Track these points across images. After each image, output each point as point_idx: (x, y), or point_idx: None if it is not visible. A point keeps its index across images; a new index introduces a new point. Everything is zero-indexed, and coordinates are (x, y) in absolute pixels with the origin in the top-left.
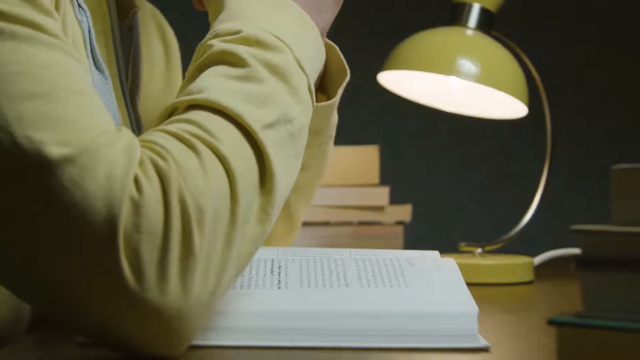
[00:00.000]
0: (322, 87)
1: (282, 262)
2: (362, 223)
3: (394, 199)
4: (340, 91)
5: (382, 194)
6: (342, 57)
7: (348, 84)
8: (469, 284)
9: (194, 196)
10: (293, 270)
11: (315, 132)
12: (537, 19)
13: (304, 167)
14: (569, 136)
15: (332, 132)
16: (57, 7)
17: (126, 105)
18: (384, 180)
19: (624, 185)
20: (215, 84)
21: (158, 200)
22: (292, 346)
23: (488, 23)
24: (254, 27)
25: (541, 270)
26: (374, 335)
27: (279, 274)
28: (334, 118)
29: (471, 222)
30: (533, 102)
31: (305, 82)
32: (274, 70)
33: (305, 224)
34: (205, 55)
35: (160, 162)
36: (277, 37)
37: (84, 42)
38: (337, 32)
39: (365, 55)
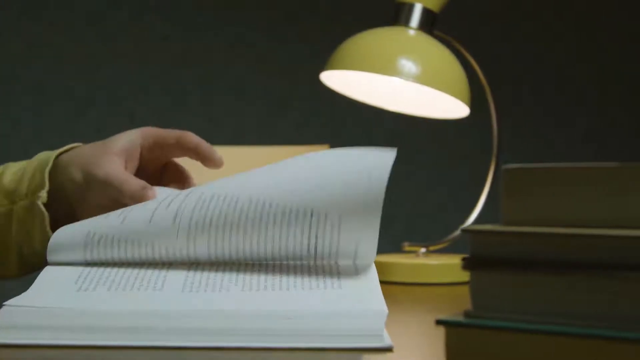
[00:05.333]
0: None
1: (200, 268)
2: None
3: None
4: None
5: None
6: None
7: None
8: (410, 284)
9: None
10: (204, 275)
11: None
12: (514, 19)
13: None
14: (546, 136)
15: None
16: None
17: None
18: None
19: (512, 185)
20: None
21: None
22: (195, 346)
23: (430, 23)
24: None
25: None
26: (279, 335)
27: (189, 278)
28: None
29: (425, 221)
30: (511, 102)
31: None
32: None
33: None
34: None
35: None
36: None
37: None
38: (286, 27)
39: (315, 55)
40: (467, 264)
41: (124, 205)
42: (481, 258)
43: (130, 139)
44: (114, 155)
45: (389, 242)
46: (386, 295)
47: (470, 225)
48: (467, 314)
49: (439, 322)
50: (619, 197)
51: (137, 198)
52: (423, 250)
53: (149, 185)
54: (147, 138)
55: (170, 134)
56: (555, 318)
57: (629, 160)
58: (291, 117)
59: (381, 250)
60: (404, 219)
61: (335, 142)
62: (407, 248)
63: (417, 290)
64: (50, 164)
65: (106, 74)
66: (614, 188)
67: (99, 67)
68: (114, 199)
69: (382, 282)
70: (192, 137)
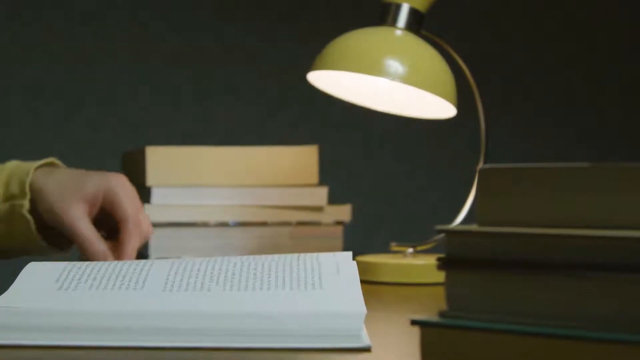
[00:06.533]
0: None
1: (182, 267)
2: (300, 223)
3: (335, 199)
4: None
5: (320, 194)
6: None
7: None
8: (397, 284)
9: None
10: (185, 274)
11: None
12: (507, 18)
13: None
14: (538, 136)
15: None
16: None
17: None
18: (325, 180)
19: (487, 185)
20: None
21: None
22: (174, 346)
23: (417, 23)
24: None
25: None
26: (258, 335)
27: (170, 278)
28: None
29: (421, 221)
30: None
31: None
32: None
33: (243, 224)
34: None
35: None
36: None
37: None
38: (281, 27)
39: (310, 55)
40: (442, 264)
41: None
42: (456, 258)
43: (97, 189)
44: (81, 202)
45: (383, 243)
46: (372, 295)
47: (446, 225)
48: (441, 314)
49: (413, 322)
50: (592, 197)
51: (98, 259)
52: (410, 250)
53: (109, 253)
54: (108, 197)
55: (119, 214)
56: (529, 318)
57: (625, 160)
58: (286, 117)
59: (373, 250)
60: (399, 219)
61: (331, 142)
62: (394, 248)
63: (403, 290)
64: (30, 176)
65: (102, 74)
66: (586, 188)
67: (95, 67)
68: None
69: (369, 282)
70: (128, 236)
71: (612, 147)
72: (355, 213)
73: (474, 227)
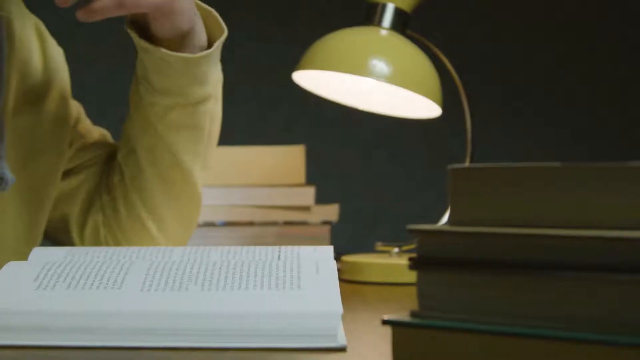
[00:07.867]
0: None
1: (161, 266)
2: (287, 223)
3: (329, 199)
4: (216, 45)
5: (308, 194)
6: (217, 16)
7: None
8: (382, 284)
9: None
10: (164, 273)
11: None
12: (505, 19)
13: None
14: (535, 136)
15: (214, 90)
16: None
17: None
18: (318, 179)
19: (458, 185)
20: None
21: None
22: (149, 346)
23: (403, 23)
24: None
25: None
26: (233, 335)
27: (148, 277)
28: (215, 74)
29: (416, 222)
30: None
31: None
32: None
33: (230, 223)
34: None
35: None
36: None
37: None
38: (274, 27)
39: (296, 56)
40: (414, 264)
41: None
42: (427, 258)
43: None
44: None
45: (377, 242)
46: (356, 295)
47: (417, 225)
48: (413, 314)
49: (385, 322)
50: (563, 197)
51: None
52: (396, 250)
53: None
54: None
55: None
56: (500, 318)
57: (624, 159)
58: (279, 117)
59: (366, 250)
60: (395, 219)
61: (327, 142)
62: (380, 248)
63: (387, 290)
64: None
65: (95, 75)
66: (557, 188)
67: (94, 67)
68: None
69: (353, 282)
70: None
71: (610, 147)
72: (350, 213)
73: (444, 226)
